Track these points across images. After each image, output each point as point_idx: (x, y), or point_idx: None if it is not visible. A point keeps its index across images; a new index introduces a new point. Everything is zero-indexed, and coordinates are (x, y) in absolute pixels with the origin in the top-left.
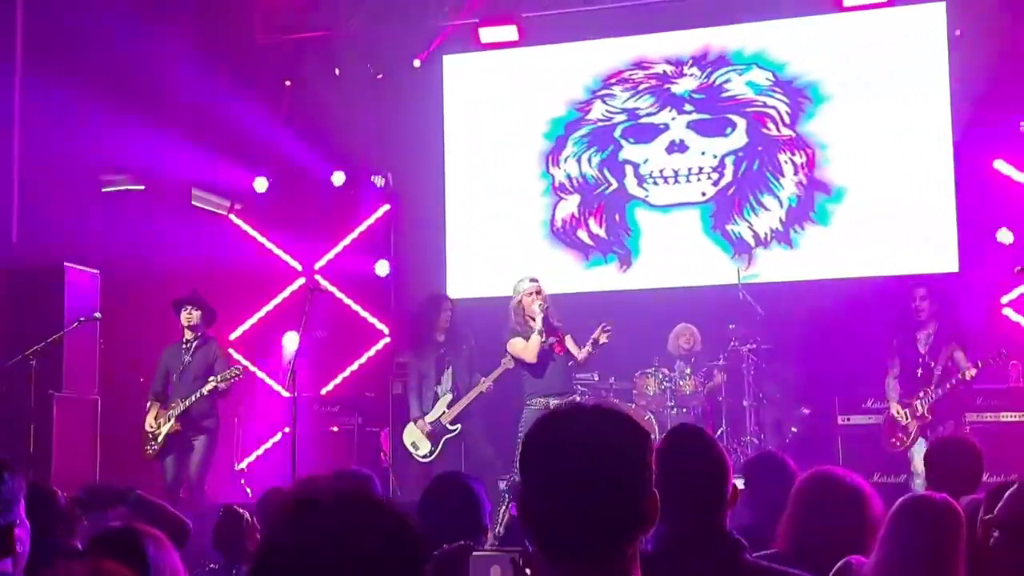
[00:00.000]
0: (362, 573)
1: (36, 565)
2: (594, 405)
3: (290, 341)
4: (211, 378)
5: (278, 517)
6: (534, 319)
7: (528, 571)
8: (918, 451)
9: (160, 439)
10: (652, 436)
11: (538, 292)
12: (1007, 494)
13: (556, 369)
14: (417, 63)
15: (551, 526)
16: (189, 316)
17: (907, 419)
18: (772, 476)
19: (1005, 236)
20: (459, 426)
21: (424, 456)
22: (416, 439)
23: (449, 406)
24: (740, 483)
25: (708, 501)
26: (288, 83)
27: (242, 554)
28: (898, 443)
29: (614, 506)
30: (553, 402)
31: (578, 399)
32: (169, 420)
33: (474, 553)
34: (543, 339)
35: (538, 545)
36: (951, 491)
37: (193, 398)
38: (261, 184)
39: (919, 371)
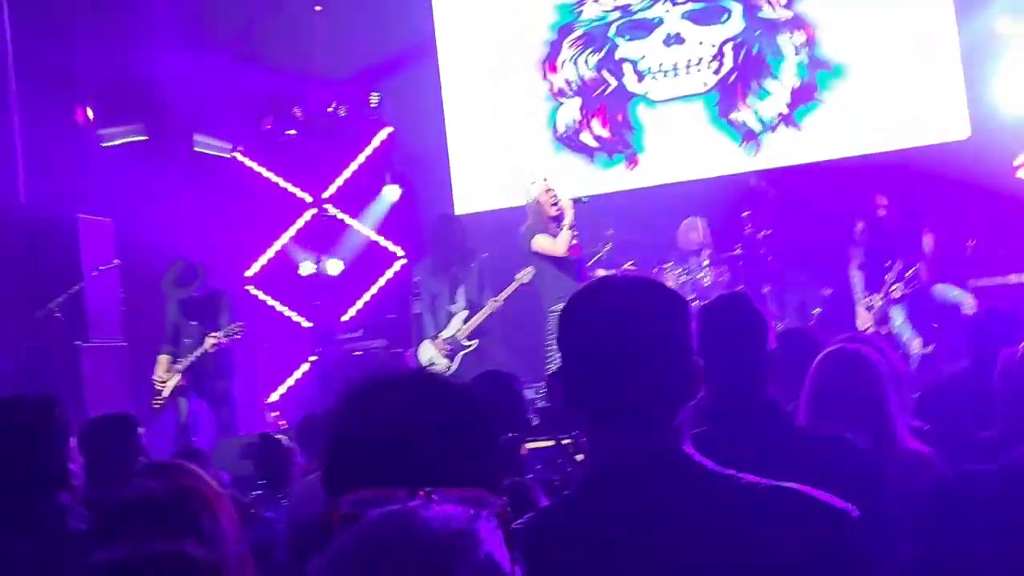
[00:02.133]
0: (438, 446)
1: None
2: (627, 276)
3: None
4: (211, 334)
5: (347, 401)
6: (553, 217)
7: (579, 457)
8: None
9: (165, 393)
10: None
11: (551, 190)
12: None
13: (577, 272)
14: None
15: (597, 394)
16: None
17: (868, 321)
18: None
19: (1015, 96)
20: (476, 341)
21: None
22: (432, 356)
23: (465, 322)
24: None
25: (751, 363)
26: None
27: (283, 478)
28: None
29: (658, 374)
30: None
31: None
32: (175, 375)
33: (527, 445)
34: (574, 233)
35: (584, 417)
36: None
37: (196, 354)
38: (266, 122)
39: (885, 264)
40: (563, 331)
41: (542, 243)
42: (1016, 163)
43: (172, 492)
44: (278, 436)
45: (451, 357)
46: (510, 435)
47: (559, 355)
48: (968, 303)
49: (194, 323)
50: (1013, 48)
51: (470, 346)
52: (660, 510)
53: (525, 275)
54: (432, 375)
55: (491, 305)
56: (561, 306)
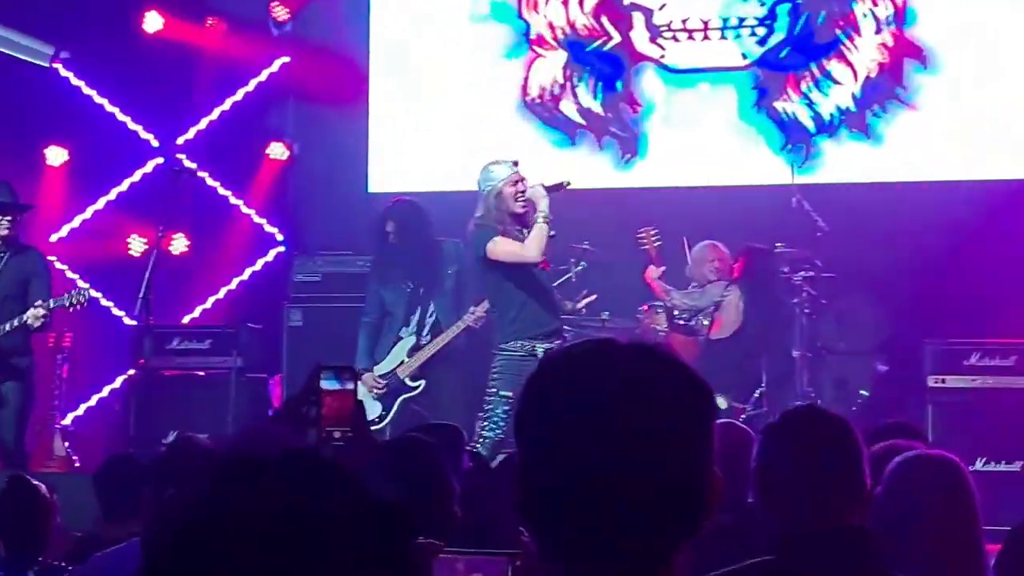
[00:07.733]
0: (332, 555)
1: None
2: (632, 342)
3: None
4: (38, 303)
5: (211, 479)
6: (515, 215)
7: None
8: None
9: None
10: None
11: (522, 180)
12: None
13: (546, 297)
14: None
15: (566, 516)
16: None
17: None
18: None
19: None
20: (422, 383)
21: (371, 422)
22: (360, 395)
23: (410, 353)
24: None
25: (836, 491)
26: None
27: (33, 542)
28: None
29: (661, 492)
30: (540, 347)
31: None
32: None
33: (443, 553)
34: (550, 231)
35: (542, 541)
36: None
37: (6, 327)
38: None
39: None
40: (530, 408)
41: (506, 248)
42: None
43: None
44: (35, 483)
45: (387, 403)
46: (422, 540)
47: (518, 437)
48: None
49: None
50: None
51: (415, 388)
52: None
53: (480, 310)
54: (322, 466)
55: (453, 330)
56: (518, 343)
